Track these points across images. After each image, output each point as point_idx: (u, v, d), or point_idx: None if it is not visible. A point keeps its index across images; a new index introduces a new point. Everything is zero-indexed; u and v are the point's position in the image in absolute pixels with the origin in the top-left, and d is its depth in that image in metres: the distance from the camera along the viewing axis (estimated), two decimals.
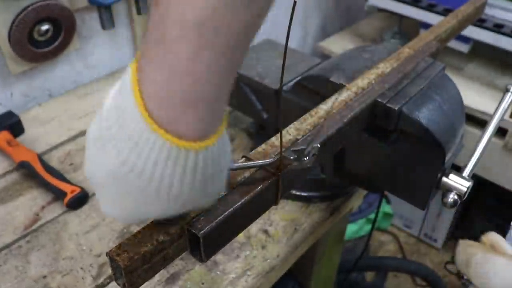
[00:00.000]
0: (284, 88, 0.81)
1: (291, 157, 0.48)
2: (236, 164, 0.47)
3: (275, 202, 0.50)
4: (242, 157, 0.50)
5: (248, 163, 0.48)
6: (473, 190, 0.67)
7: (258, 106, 0.87)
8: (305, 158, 0.49)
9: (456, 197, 0.64)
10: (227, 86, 0.35)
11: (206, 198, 0.39)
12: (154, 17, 0.32)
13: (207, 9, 0.30)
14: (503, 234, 1.18)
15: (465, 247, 0.50)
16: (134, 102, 0.33)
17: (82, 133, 0.97)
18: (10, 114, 0.94)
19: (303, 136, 0.53)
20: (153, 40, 0.33)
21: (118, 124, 0.34)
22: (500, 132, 1.35)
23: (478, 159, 0.68)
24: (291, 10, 0.37)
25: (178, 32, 0.31)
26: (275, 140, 0.53)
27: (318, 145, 0.50)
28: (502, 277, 0.46)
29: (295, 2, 0.40)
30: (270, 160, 0.48)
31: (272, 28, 1.68)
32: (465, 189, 0.64)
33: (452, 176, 0.65)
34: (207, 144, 0.34)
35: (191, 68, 0.32)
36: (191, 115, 0.33)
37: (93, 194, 0.83)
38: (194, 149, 0.33)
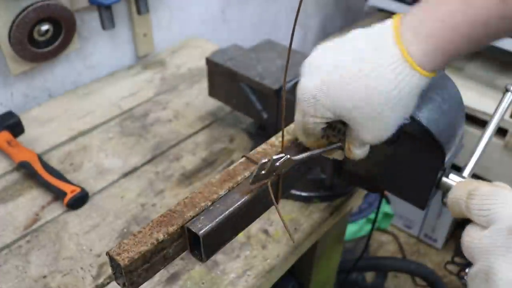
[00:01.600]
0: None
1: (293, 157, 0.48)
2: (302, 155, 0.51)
3: (275, 202, 0.50)
4: (242, 157, 0.50)
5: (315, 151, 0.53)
6: None
7: (258, 106, 0.87)
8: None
9: None
10: (463, 46, 0.46)
11: (390, 120, 0.48)
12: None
13: None
14: None
15: (464, 184, 0.47)
16: (390, 26, 0.47)
17: (82, 133, 0.97)
18: (10, 114, 0.94)
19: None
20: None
21: (365, 40, 0.48)
22: (500, 132, 1.35)
23: (478, 159, 0.68)
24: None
25: None
26: (275, 140, 0.53)
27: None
28: None
29: (300, 1, 0.40)
30: (335, 145, 0.53)
31: (272, 28, 1.69)
32: None
33: (452, 176, 0.65)
34: (427, 75, 0.46)
35: (452, 18, 0.44)
36: (429, 47, 0.45)
37: (93, 194, 0.83)
38: (418, 72, 0.45)
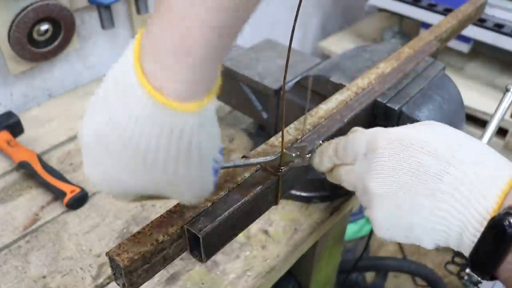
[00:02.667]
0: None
1: (293, 154, 0.48)
2: (232, 163, 0.47)
3: (275, 202, 0.50)
4: (242, 157, 0.50)
5: (250, 160, 0.48)
6: None
7: (258, 106, 0.87)
8: (307, 155, 0.49)
9: None
10: (219, 49, 0.34)
11: (186, 183, 0.37)
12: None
13: None
14: None
15: (327, 143, 0.49)
16: (131, 59, 0.34)
17: None
18: (9, 114, 0.94)
19: (303, 136, 0.53)
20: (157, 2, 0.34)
21: (113, 83, 0.35)
22: (501, 132, 1.35)
23: None
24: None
25: None
26: (275, 140, 0.53)
27: (321, 142, 0.50)
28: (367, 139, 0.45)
29: (300, 2, 0.39)
30: (271, 157, 0.48)
31: (272, 28, 1.68)
32: None
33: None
34: (190, 109, 0.33)
35: (183, 21, 0.32)
36: (177, 70, 0.33)
37: (93, 194, 0.83)
38: (174, 109, 0.33)
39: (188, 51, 0.33)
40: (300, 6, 0.39)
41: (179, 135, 0.34)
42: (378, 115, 0.62)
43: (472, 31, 1.36)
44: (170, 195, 0.39)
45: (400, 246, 1.96)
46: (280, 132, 0.49)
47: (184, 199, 0.40)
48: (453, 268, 1.78)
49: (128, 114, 0.34)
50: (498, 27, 1.34)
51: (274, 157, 0.48)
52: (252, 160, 0.48)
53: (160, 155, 0.34)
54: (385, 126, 0.63)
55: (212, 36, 0.33)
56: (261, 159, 0.48)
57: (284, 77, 0.43)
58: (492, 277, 0.38)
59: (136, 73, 0.33)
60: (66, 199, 0.79)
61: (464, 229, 0.38)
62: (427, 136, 0.42)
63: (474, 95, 1.40)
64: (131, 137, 0.34)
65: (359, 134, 0.46)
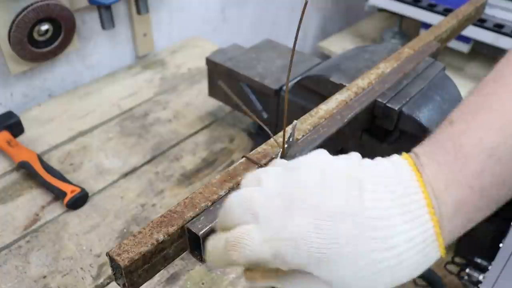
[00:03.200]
0: (284, 87, 0.81)
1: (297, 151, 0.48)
2: None
3: None
4: (242, 157, 0.50)
5: None
6: None
7: (258, 106, 0.87)
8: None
9: None
10: (491, 208, 0.36)
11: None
12: (450, 134, 0.36)
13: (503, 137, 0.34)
14: (503, 234, 1.17)
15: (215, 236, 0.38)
16: (426, 206, 0.34)
17: (82, 133, 0.97)
18: (10, 114, 0.94)
19: (303, 136, 0.53)
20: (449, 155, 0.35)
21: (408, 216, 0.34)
22: None
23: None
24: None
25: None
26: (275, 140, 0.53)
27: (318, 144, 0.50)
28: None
29: (306, 2, 0.39)
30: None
31: (272, 28, 1.69)
32: None
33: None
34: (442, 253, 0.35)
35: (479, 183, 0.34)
36: (464, 227, 0.35)
37: (93, 194, 0.83)
38: (441, 252, 0.35)
39: (472, 207, 0.35)
40: (300, 7, 0.39)
41: (427, 265, 0.36)
42: (378, 115, 0.62)
43: (472, 31, 1.36)
44: None
45: None
46: (280, 132, 0.49)
47: None
48: (453, 268, 1.78)
49: (407, 236, 0.33)
50: (498, 27, 1.34)
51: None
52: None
53: (408, 275, 0.35)
54: (385, 126, 0.63)
55: (488, 204, 0.35)
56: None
57: (287, 78, 0.43)
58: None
59: (427, 206, 0.34)
60: (66, 199, 0.79)
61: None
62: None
63: None
64: (399, 255, 0.34)
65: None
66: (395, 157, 0.37)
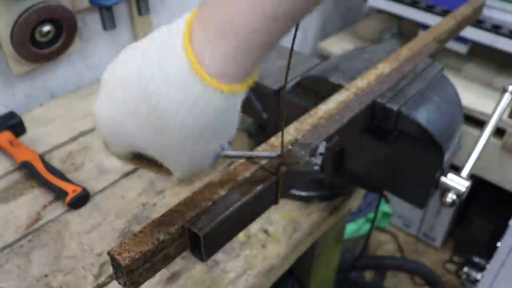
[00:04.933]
0: None
1: (297, 154, 0.48)
2: (236, 152, 0.45)
3: (275, 202, 0.51)
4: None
5: (253, 153, 0.48)
6: (472, 189, 0.68)
7: (258, 107, 0.87)
8: (311, 158, 0.48)
9: (454, 196, 0.64)
10: (264, 42, 0.34)
11: (189, 154, 0.38)
12: None
13: None
14: (500, 233, 1.18)
15: None
16: (183, 24, 0.36)
17: (84, 133, 0.97)
18: (12, 115, 0.95)
19: (303, 136, 0.54)
20: None
21: (158, 38, 0.36)
22: (498, 132, 1.35)
23: (477, 159, 0.69)
24: None
25: None
26: (275, 140, 0.53)
27: (324, 143, 0.50)
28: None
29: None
30: (275, 153, 0.48)
31: None
32: (463, 189, 0.64)
33: (450, 176, 0.65)
34: (221, 88, 0.34)
35: (236, 1, 0.32)
36: (220, 46, 0.33)
37: (95, 194, 0.83)
38: (207, 81, 0.34)
39: (235, 32, 0.33)
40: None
41: (202, 107, 0.34)
42: (377, 115, 0.63)
43: (470, 32, 1.37)
44: (167, 162, 0.39)
45: (399, 245, 1.96)
46: (280, 132, 0.50)
47: (177, 170, 0.40)
48: (451, 267, 1.79)
49: (160, 69, 0.34)
50: (496, 28, 1.34)
51: (277, 153, 0.48)
52: (256, 153, 0.48)
53: (176, 119, 0.35)
54: (384, 126, 0.64)
55: (261, 26, 0.33)
56: (265, 154, 0.48)
57: (286, 78, 0.43)
58: None
59: (183, 36, 0.34)
60: (68, 199, 0.79)
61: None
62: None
63: (472, 96, 1.40)
64: (154, 92, 0.34)
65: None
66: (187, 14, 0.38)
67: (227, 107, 0.36)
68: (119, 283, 0.41)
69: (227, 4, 0.33)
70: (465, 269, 1.55)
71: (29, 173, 0.86)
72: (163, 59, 0.34)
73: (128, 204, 0.82)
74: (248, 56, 0.34)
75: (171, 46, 0.34)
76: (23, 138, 0.94)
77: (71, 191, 0.80)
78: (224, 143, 0.39)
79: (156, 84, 0.34)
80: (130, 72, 0.36)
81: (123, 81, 0.37)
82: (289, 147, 0.49)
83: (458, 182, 0.65)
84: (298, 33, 0.40)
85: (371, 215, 1.55)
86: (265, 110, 0.87)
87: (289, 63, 0.42)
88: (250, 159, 0.48)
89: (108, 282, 0.69)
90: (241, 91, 0.37)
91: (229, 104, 0.36)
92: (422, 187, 0.67)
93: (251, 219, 0.49)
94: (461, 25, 0.88)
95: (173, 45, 0.34)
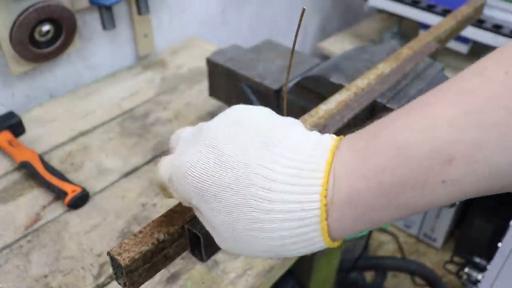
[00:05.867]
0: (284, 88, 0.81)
1: None
2: None
3: None
4: None
5: None
6: None
7: None
8: None
9: None
10: (396, 212, 0.32)
11: (255, 253, 0.36)
12: (377, 125, 0.33)
13: (419, 137, 0.30)
14: (501, 234, 1.18)
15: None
16: (323, 177, 0.32)
17: (83, 133, 0.97)
18: (11, 114, 0.94)
19: None
20: (366, 136, 0.33)
21: (296, 168, 0.33)
22: None
23: None
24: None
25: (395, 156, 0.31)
26: None
27: None
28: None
29: (303, 10, 0.39)
30: None
31: (272, 28, 1.69)
32: None
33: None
34: (333, 245, 0.34)
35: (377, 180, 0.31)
36: (357, 223, 0.33)
37: (94, 194, 0.83)
38: (327, 240, 0.33)
39: (365, 204, 0.32)
40: (300, 8, 0.39)
41: (310, 249, 0.34)
42: (378, 115, 0.63)
43: (471, 32, 1.36)
44: (220, 240, 0.37)
45: (400, 245, 1.96)
46: None
47: (223, 247, 0.39)
48: (452, 267, 1.78)
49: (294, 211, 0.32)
50: (497, 28, 1.34)
51: None
52: None
53: (287, 248, 0.34)
54: None
55: (389, 205, 0.31)
56: None
57: (287, 78, 0.43)
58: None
59: (325, 170, 0.32)
60: (67, 199, 0.79)
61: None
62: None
63: None
64: (274, 229, 0.33)
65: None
66: (326, 135, 0.35)
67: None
68: (119, 284, 0.41)
69: (364, 166, 0.32)
70: (466, 269, 1.55)
71: (29, 173, 0.85)
72: (293, 198, 0.32)
73: (128, 204, 0.81)
74: (371, 222, 0.33)
75: (306, 191, 0.32)
76: (23, 138, 0.94)
77: (71, 191, 0.80)
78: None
79: (277, 217, 0.32)
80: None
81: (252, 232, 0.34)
82: None
83: None
84: (298, 33, 0.39)
85: None
86: None
87: (290, 63, 0.42)
88: None
89: (108, 283, 0.69)
90: (336, 245, 0.35)
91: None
92: None
93: None
94: (462, 25, 0.87)
95: (308, 191, 0.32)
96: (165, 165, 0.38)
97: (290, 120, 0.37)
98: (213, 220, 0.34)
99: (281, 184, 0.32)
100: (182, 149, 0.37)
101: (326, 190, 0.32)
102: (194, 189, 0.34)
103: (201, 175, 0.34)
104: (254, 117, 0.36)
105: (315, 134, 0.36)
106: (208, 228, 0.37)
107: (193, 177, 0.34)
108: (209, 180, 0.33)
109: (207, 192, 0.33)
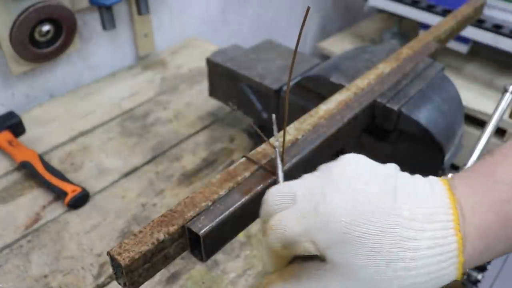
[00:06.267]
0: (284, 88, 0.82)
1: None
2: None
3: None
4: (242, 157, 0.50)
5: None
6: None
7: (258, 106, 0.87)
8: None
9: None
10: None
11: None
12: (487, 162, 0.38)
13: None
14: None
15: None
16: (454, 228, 0.34)
17: (83, 133, 0.97)
18: (11, 114, 0.94)
19: (303, 136, 0.54)
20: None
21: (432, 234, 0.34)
22: (499, 132, 1.35)
23: (477, 159, 0.68)
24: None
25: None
26: (275, 140, 0.53)
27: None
28: None
29: (308, 8, 0.40)
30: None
31: (272, 28, 1.69)
32: None
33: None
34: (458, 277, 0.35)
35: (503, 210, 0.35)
36: (487, 253, 0.35)
37: (94, 194, 0.83)
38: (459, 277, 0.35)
39: (495, 235, 0.35)
40: (300, 8, 0.39)
41: (441, 281, 0.35)
42: (378, 115, 0.63)
43: (471, 32, 1.36)
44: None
45: None
46: (281, 132, 0.49)
47: None
48: None
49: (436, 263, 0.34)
50: (497, 28, 1.34)
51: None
52: None
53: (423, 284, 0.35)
54: (384, 126, 0.64)
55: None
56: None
57: (289, 79, 0.43)
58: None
59: (454, 224, 0.34)
60: (67, 199, 0.79)
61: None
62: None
63: (473, 96, 1.40)
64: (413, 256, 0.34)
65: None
66: (430, 176, 0.38)
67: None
68: (119, 284, 0.41)
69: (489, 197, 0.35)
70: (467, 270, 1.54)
71: (29, 173, 0.85)
72: (434, 242, 0.34)
73: (128, 204, 0.81)
74: (496, 252, 0.36)
75: (443, 233, 0.34)
76: (23, 138, 0.94)
77: (71, 191, 0.80)
78: None
79: (422, 263, 0.34)
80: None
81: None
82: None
83: None
84: (298, 33, 0.39)
85: None
86: (265, 110, 0.87)
87: (292, 63, 0.42)
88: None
89: (108, 283, 0.69)
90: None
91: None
92: None
93: (252, 219, 0.49)
94: (461, 25, 0.87)
95: (446, 228, 0.34)
96: (292, 219, 0.35)
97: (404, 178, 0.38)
98: (355, 263, 0.34)
99: (421, 231, 0.34)
100: (314, 199, 0.36)
101: (458, 224, 0.34)
102: (337, 234, 0.34)
103: (348, 222, 0.34)
104: (368, 164, 0.39)
105: (427, 180, 0.38)
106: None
107: (339, 223, 0.34)
108: (355, 226, 0.34)
109: (352, 238, 0.34)
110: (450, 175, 0.39)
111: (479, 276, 0.86)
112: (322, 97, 0.67)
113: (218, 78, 0.91)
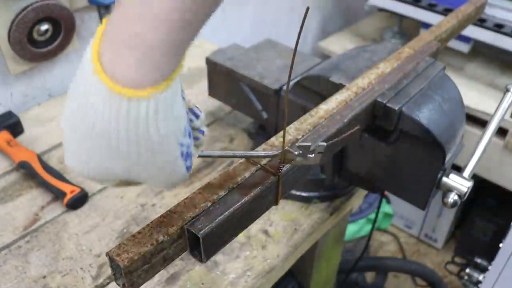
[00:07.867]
0: (284, 88, 0.81)
1: (295, 152, 0.47)
2: (218, 152, 0.47)
3: (275, 202, 0.50)
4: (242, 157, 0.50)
5: (249, 152, 0.47)
6: (474, 190, 0.67)
7: (258, 106, 0.87)
8: (310, 155, 0.48)
9: (456, 197, 0.64)
10: (174, 43, 0.35)
11: (154, 168, 0.38)
12: None
13: None
14: (503, 234, 1.18)
15: None
16: (90, 48, 0.35)
17: None
18: (9, 114, 0.94)
19: (303, 136, 0.53)
20: None
21: (80, 71, 0.36)
22: (501, 132, 1.35)
23: (479, 159, 0.68)
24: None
25: None
26: (275, 140, 0.53)
27: (325, 144, 0.49)
28: None
29: (307, 8, 0.39)
30: (272, 152, 0.47)
31: (272, 28, 1.69)
32: (465, 189, 0.63)
33: (452, 176, 0.65)
34: (142, 95, 0.34)
35: (138, 16, 0.33)
36: (130, 58, 0.34)
37: (93, 194, 0.83)
38: (127, 95, 0.34)
39: (140, 43, 0.34)
40: (300, 7, 0.39)
41: (135, 120, 0.35)
42: (378, 115, 0.62)
43: (472, 31, 1.36)
44: (144, 180, 0.40)
45: (400, 246, 1.96)
46: (280, 132, 0.49)
47: (157, 185, 0.41)
48: (453, 268, 1.78)
49: (87, 101, 0.35)
50: (498, 27, 1.34)
51: (276, 152, 0.47)
52: (252, 153, 0.47)
53: (121, 140, 0.35)
54: (385, 126, 0.63)
55: (169, 37, 0.34)
56: (262, 153, 0.48)
57: (289, 78, 0.43)
58: None
59: (92, 61, 0.35)
60: (66, 199, 0.79)
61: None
62: None
63: (474, 95, 1.40)
64: (94, 123, 0.35)
65: None
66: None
67: (159, 108, 0.35)
68: (118, 284, 0.41)
69: (133, 22, 0.34)
70: (467, 270, 1.54)
71: (27, 173, 0.85)
72: (86, 90, 0.35)
73: (127, 204, 0.81)
74: (161, 60, 0.35)
75: (88, 75, 0.35)
76: (21, 138, 0.94)
77: (69, 191, 0.79)
78: (183, 141, 0.39)
79: (91, 115, 0.35)
80: (72, 116, 0.38)
81: (71, 126, 0.39)
82: (288, 148, 0.48)
83: (460, 183, 0.64)
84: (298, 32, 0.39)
85: (372, 216, 1.55)
86: (265, 110, 0.86)
87: (292, 63, 0.42)
88: (230, 158, 0.48)
89: (107, 283, 0.69)
90: (168, 87, 0.36)
91: (161, 104, 0.35)
92: (423, 188, 0.67)
93: (251, 220, 0.49)
94: (463, 24, 0.87)
95: (88, 72, 0.35)
96: None
97: None
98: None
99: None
100: None
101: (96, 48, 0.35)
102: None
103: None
104: None
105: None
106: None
107: None
108: None
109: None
110: None
111: (480, 277, 0.86)
112: (322, 97, 0.66)
113: (217, 78, 0.91)
